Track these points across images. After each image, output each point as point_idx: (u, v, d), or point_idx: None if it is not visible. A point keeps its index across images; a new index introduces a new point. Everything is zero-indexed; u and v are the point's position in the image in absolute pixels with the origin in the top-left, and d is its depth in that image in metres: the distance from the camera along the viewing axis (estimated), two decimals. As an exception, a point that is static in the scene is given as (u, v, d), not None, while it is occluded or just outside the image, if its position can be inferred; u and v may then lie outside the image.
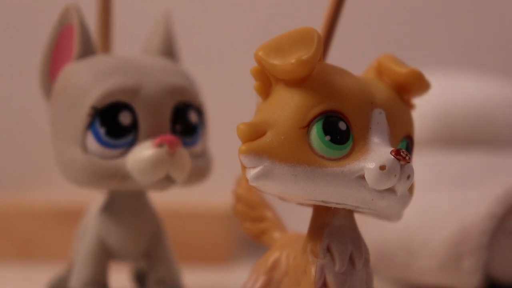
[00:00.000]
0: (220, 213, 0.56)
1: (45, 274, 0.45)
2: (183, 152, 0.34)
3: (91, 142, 0.34)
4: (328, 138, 0.26)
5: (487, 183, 0.43)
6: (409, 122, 0.29)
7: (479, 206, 0.41)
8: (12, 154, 0.69)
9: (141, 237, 0.37)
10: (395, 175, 0.25)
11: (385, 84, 0.29)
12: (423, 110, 0.40)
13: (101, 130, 0.34)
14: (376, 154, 0.26)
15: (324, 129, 0.26)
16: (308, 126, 0.27)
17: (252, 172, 0.27)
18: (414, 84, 0.29)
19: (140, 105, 0.34)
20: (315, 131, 0.26)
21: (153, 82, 0.35)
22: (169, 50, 0.39)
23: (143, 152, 0.33)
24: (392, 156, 0.25)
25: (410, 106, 0.30)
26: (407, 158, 0.25)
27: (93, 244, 0.37)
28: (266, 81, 0.28)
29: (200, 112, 0.37)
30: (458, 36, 0.68)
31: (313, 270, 0.28)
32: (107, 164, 0.34)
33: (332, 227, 0.28)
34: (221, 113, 0.55)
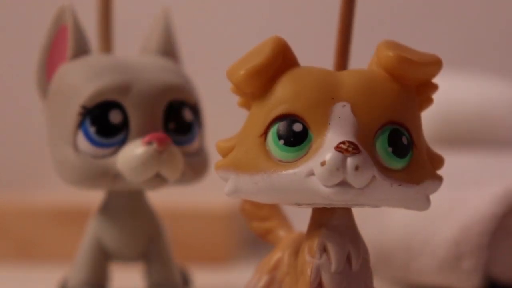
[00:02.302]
0: (220, 213, 0.55)
1: (44, 274, 0.45)
2: (173, 150, 0.34)
3: (82, 141, 0.34)
4: (282, 142, 0.27)
5: (487, 183, 0.43)
6: (392, 108, 0.27)
7: (479, 206, 0.41)
8: (12, 154, 0.69)
9: (138, 238, 0.37)
10: (338, 169, 0.25)
11: (367, 73, 0.28)
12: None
13: (92, 129, 0.34)
14: (323, 149, 0.26)
15: (277, 134, 0.27)
16: (265, 134, 0.27)
17: (226, 186, 0.28)
18: (399, 67, 0.28)
19: (130, 104, 0.34)
20: (271, 137, 0.27)
21: (144, 81, 0.35)
22: (168, 49, 0.39)
23: (133, 151, 0.33)
24: (334, 150, 0.25)
25: (410, 90, 0.28)
26: (349, 149, 0.25)
27: (90, 245, 0.37)
28: (245, 96, 0.29)
29: (195, 110, 0.37)
30: (458, 36, 0.68)
31: (308, 270, 0.28)
32: (97, 163, 0.34)
33: (329, 227, 0.28)
34: (221, 112, 0.55)
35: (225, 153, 0.29)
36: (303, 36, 0.59)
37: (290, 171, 0.26)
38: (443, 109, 0.54)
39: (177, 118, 0.36)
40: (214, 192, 0.55)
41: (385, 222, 0.45)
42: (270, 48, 0.28)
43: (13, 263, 0.54)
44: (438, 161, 0.29)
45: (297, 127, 0.27)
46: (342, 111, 0.27)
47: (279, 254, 0.31)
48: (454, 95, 0.56)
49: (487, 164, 0.49)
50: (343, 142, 0.25)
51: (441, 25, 0.68)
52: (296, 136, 0.27)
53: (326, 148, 0.26)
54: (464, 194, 0.42)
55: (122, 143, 0.34)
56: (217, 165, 0.28)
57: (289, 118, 0.27)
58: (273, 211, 0.35)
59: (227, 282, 0.48)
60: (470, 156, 0.51)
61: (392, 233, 0.44)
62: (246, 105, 0.30)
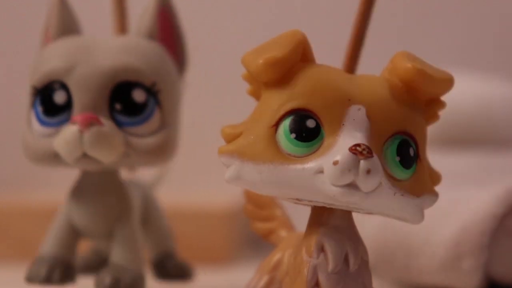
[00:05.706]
0: (220, 213, 0.56)
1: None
2: (102, 131, 0.34)
3: (34, 121, 0.35)
4: (293, 136, 0.27)
5: (487, 183, 0.43)
6: (404, 118, 0.28)
7: (479, 206, 0.41)
8: (12, 154, 0.69)
9: (105, 217, 0.37)
10: (350, 170, 0.25)
11: (383, 80, 0.28)
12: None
13: (40, 109, 0.35)
14: (336, 149, 0.26)
15: (290, 127, 0.27)
16: (277, 125, 0.27)
17: (227, 172, 0.28)
18: (416, 80, 0.28)
19: (74, 85, 0.35)
20: (282, 130, 0.27)
21: (90, 63, 0.35)
22: (154, 32, 0.38)
23: (63, 131, 0.34)
24: (348, 151, 0.25)
25: (420, 103, 0.29)
26: (364, 152, 0.25)
27: (60, 221, 0.38)
28: (256, 84, 0.29)
29: (152, 91, 0.36)
30: (458, 36, 0.68)
31: (305, 270, 0.28)
32: (43, 142, 0.35)
33: (328, 227, 0.28)
34: (221, 112, 0.55)
35: (230, 139, 0.28)
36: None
37: (299, 166, 0.26)
38: (443, 109, 0.54)
39: (125, 100, 0.35)
40: (214, 192, 0.55)
41: (385, 221, 0.45)
42: (293, 40, 0.27)
43: (13, 263, 0.54)
44: (436, 178, 0.30)
45: (311, 123, 0.27)
46: (357, 114, 0.27)
47: (279, 254, 0.31)
48: (454, 94, 0.55)
49: (487, 164, 0.49)
50: (358, 145, 0.25)
51: (441, 25, 0.68)
52: (308, 131, 0.27)
53: (339, 148, 0.26)
54: (464, 194, 0.42)
55: (65, 123, 0.35)
56: (221, 149, 0.28)
57: (304, 113, 0.27)
58: (276, 211, 0.35)
59: (228, 282, 0.48)
60: (471, 156, 0.51)
61: (392, 233, 0.44)
62: (256, 93, 0.29)
